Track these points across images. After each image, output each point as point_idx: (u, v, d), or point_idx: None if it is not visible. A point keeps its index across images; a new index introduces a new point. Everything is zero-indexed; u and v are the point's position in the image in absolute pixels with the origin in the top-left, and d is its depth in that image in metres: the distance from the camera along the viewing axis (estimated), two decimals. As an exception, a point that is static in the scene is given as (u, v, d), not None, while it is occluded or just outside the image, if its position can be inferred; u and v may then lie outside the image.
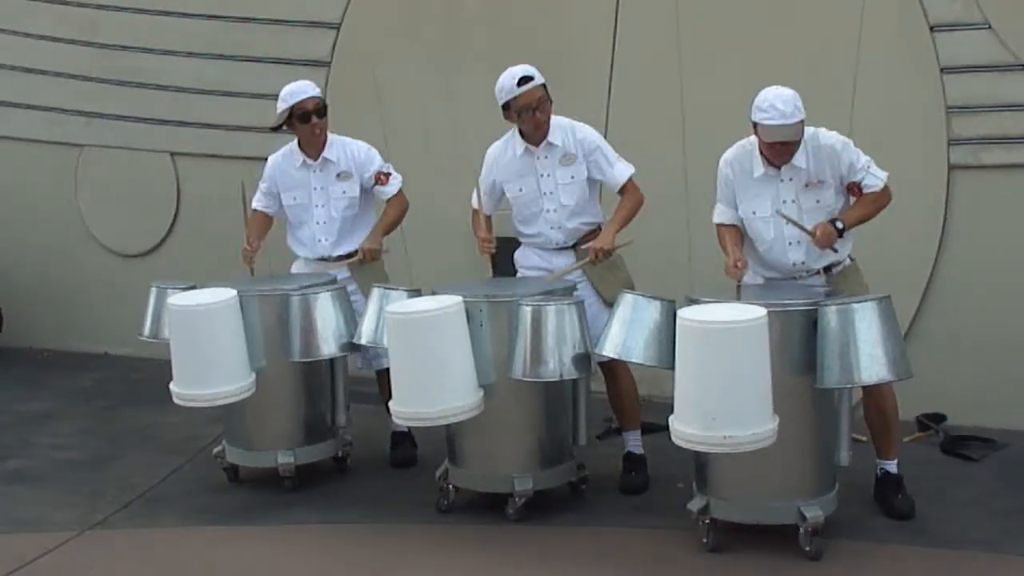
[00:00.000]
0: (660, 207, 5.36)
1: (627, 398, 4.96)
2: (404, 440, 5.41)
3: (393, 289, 4.77)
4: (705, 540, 4.23)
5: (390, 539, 4.53)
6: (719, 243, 4.66)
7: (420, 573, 4.23)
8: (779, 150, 4.39)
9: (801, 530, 4.11)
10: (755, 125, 4.39)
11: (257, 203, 5.46)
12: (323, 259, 5.32)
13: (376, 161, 5.32)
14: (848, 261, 4.60)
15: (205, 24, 7.17)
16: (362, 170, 5.28)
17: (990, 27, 5.44)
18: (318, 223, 5.30)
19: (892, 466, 4.57)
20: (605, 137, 5.04)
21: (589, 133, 4.90)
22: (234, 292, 4.83)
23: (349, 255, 5.30)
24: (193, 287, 5.04)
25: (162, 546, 4.57)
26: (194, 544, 4.58)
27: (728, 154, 4.61)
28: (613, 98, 6.14)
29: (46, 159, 7.82)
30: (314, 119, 5.18)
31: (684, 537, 4.33)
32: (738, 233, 4.63)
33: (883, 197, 4.50)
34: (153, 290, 5.20)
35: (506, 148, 4.98)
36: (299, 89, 5.19)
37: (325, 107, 5.24)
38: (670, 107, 5.99)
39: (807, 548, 4.10)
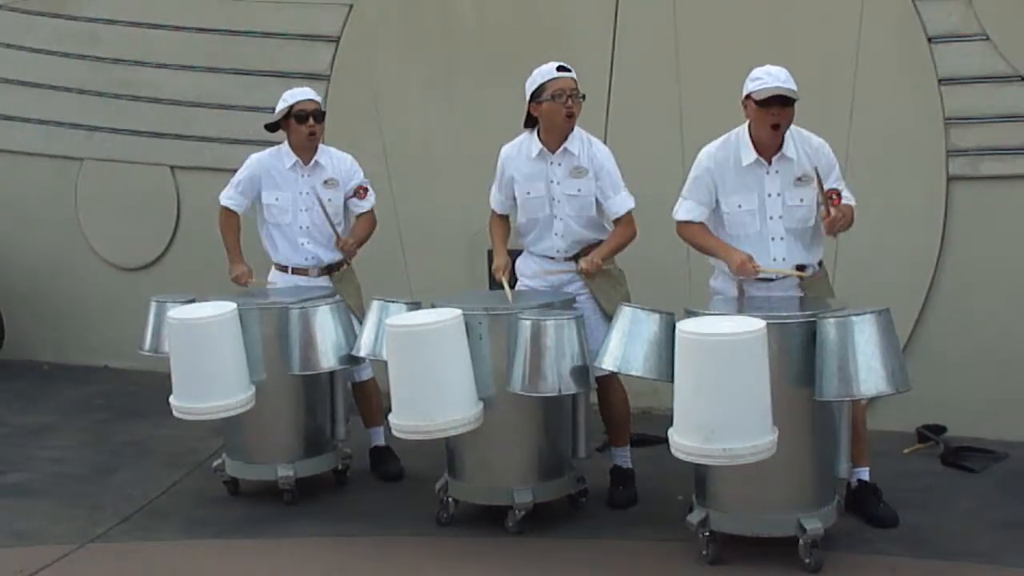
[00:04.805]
0: (659, 218, 5.35)
1: (618, 413, 4.94)
2: (386, 454, 5.41)
3: (392, 301, 4.77)
4: (705, 552, 4.22)
5: (390, 552, 4.52)
6: (691, 241, 4.62)
7: (420, 586, 4.24)
8: (775, 115, 4.29)
9: (801, 542, 4.10)
10: (748, 98, 4.35)
11: (228, 200, 5.38)
12: (303, 271, 5.33)
13: (360, 174, 5.42)
14: (817, 267, 4.54)
15: (205, 38, 7.20)
16: (347, 180, 5.34)
17: (988, 38, 5.45)
18: (301, 227, 5.31)
19: (865, 473, 4.57)
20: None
21: (603, 153, 4.86)
22: (234, 305, 4.84)
23: (330, 267, 5.32)
24: (193, 300, 5.05)
25: (162, 559, 4.57)
26: (194, 557, 4.57)
27: (711, 146, 4.53)
28: (612, 111, 6.15)
29: (46, 172, 7.84)
30: (311, 121, 5.23)
31: (684, 550, 4.32)
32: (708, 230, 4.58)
33: (852, 216, 4.43)
34: (153, 304, 5.20)
35: (520, 149, 4.94)
36: (301, 92, 5.30)
37: (323, 114, 5.33)
38: (668, 119, 6.00)
39: (807, 560, 4.09)
